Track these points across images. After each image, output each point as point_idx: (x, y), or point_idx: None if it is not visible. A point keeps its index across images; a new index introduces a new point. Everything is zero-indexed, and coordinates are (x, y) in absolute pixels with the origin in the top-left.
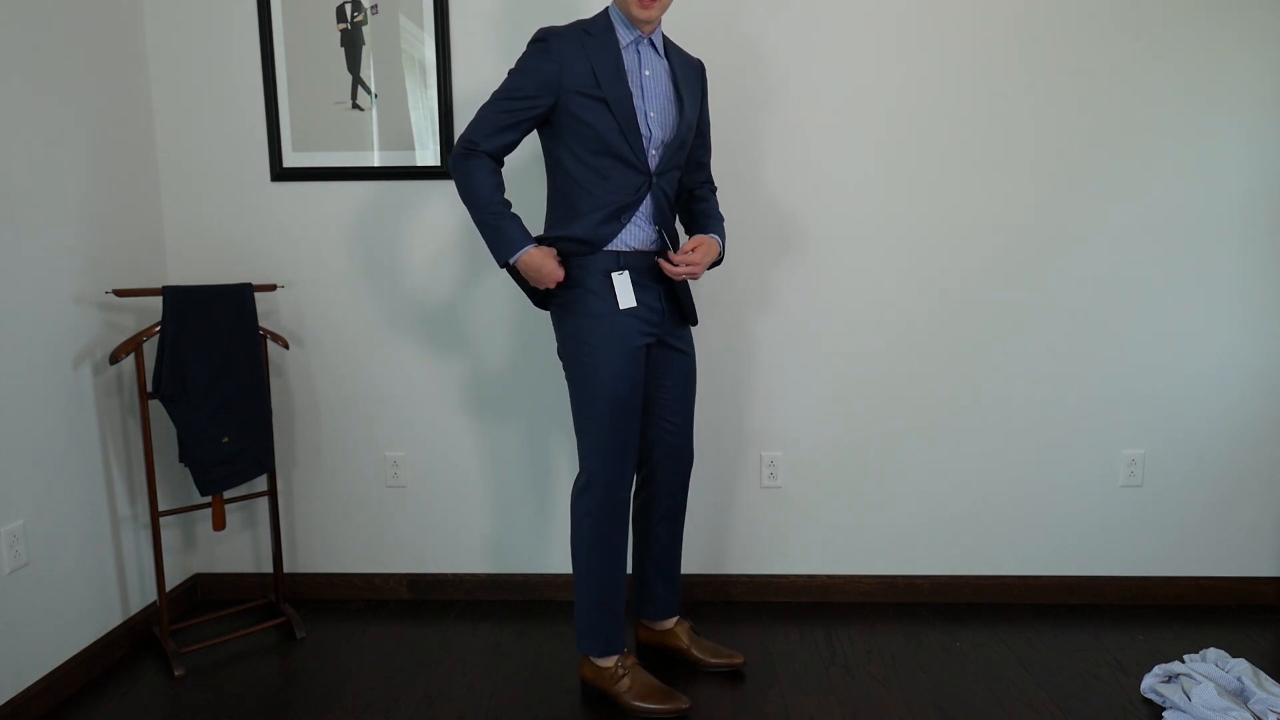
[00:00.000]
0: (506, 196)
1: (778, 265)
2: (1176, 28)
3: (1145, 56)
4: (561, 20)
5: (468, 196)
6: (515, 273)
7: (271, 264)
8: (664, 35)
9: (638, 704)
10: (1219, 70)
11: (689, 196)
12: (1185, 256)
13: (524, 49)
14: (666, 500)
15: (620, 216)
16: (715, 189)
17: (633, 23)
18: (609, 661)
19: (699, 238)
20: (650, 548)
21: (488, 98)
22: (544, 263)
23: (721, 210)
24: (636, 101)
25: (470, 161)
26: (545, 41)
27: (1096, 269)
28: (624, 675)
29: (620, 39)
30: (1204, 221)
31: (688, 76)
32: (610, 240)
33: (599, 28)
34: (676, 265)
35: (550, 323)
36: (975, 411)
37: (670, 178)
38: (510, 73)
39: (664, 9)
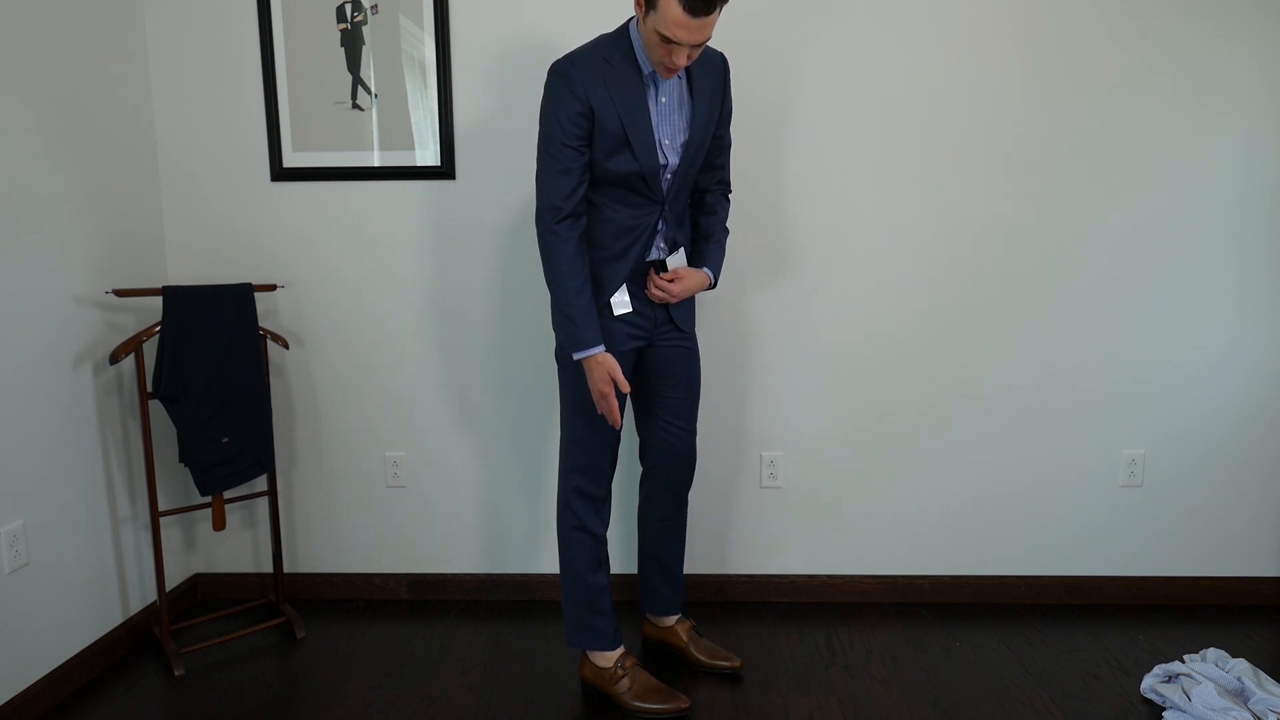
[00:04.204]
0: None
1: (778, 265)
2: (1175, 31)
3: (1146, 60)
4: (561, 20)
5: (552, 274)
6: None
7: (271, 264)
8: None
9: (637, 704)
10: (1218, 72)
11: (699, 200)
12: (1184, 257)
13: (546, 80)
14: (667, 501)
15: (634, 244)
16: (729, 191)
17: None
18: (608, 661)
19: (684, 270)
20: (650, 545)
21: (538, 153)
22: (606, 367)
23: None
24: (655, 135)
25: (560, 244)
26: (567, 77)
27: (1096, 270)
28: (624, 675)
29: (642, 67)
30: (1203, 222)
31: (705, 87)
32: (618, 283)
33: (618, 55)
34: (655, 286)
35: (548, 323)
36: (975, 412)
37: (683, 196)
38: (544, 118)
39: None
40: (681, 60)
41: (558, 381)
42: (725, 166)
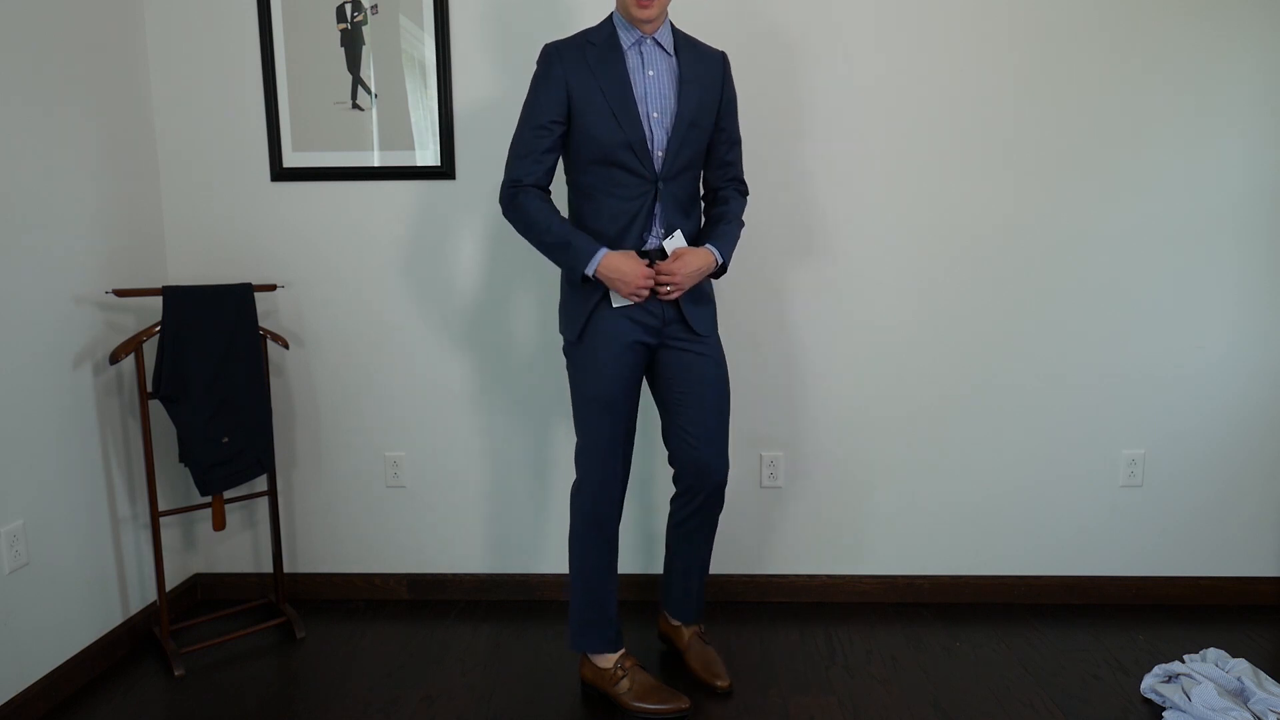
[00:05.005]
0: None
1: (779, 266)
2: (1175, 32)
3: (1145, 61)
4: (561, 20)
5: (527, 228)
6: (577, 299)
7: (271, 264)
8: (675, 31)
9: (637, 704)
10: (1218, 73)
11: (712, 198)
12: (1185, 258)
13: (529, 61)
14: (688, 512)
15: (630, 227)
16: (744, 190)
17: (632, 24)
18: (608, 662)
19: (684, 249)
20: (674, 549)
21: (515, 125)
22: (624, 263)
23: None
24: (640, 107)
25: (519, 199)
26: (548, 58)
27: (1096, 271)
28: (623, 676)
29: (622, 42)
30: (1203, 223)
31: (699, 72)
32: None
33: (601, 36)
34: (659, 278)
35: (549, 323)
36: (975, 412)
37: (683, 181)
38: (526, 100)
39: (664, 7)
40: None
41: (568, 382)
42: (735, 164)
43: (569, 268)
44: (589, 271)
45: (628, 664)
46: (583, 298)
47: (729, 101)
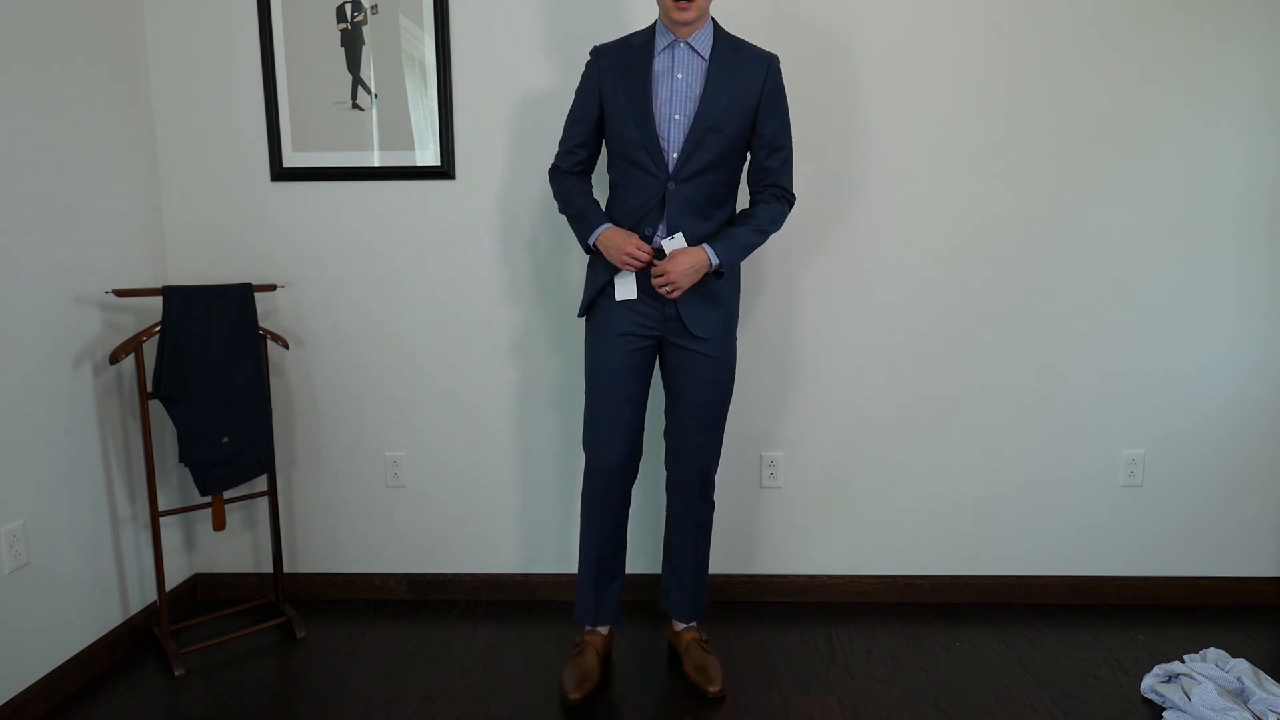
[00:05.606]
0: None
1: (780, 266)
2: (1174, 34)
3: (1145, 64)
4: (561, 20)
5: (559, 203)
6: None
7: (271, 264)
8: (719, 34)
9: (562, 678)
10: (1218, 73)
11: (750, 202)
12: (1185, 258)
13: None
14: (680, 505)
15: (638, 224)
16: (784, 199)
17: (670, 27)
18: (579, 636)
19: (680, 250)
20: (668, 541)
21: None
22: (617, 236)
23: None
24: (661, 107)
25: (554, 177)
26: (591, 59)
27: (1096, 271)
28: (577, 654)
29: (656, 45)
30: (1203, 223)
31: (734, 76)
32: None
33: (642, 38)
34: (655, 278)
35: (549, 324)
36: (975, 412)
37: (700, 184)
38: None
39: (703, 9)
40: None
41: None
42: (774, 170)
43: (579, 237)
44: (591, 241)
45: (581, 640)
46: (593, 277)
47: (769, 105)
